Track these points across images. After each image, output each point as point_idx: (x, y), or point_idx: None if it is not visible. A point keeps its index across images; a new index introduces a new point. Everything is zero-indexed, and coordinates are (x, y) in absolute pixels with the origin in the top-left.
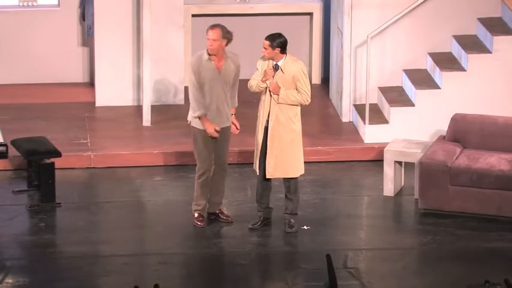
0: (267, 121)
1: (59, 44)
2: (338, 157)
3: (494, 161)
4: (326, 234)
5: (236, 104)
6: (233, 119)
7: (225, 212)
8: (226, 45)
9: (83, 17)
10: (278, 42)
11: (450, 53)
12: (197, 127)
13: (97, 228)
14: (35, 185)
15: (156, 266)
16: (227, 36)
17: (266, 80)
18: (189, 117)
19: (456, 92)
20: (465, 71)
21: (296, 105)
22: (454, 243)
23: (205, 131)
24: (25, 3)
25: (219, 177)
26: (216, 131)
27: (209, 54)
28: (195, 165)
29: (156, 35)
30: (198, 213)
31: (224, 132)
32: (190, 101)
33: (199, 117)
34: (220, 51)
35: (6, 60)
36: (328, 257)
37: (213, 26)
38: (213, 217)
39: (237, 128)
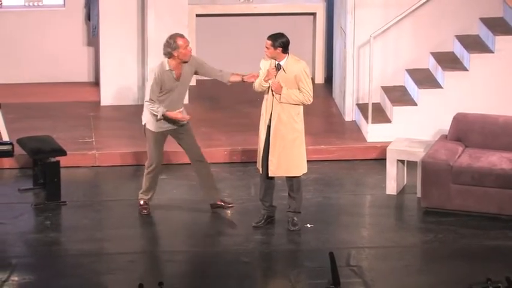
0: (270, 120)
1: (65, 44)
2: (341, 156)
3: (495, 160)
4: (329, 232)
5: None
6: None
7: (226, 200)
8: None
9: (88, 17)
10: (280, 42)
11: (452, 53)
12: (150, 129)
13: (102, 226)
14: (40, 183)
15: (160, 264)
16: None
17: (268, 80)
18: (144, 120)
19: (458, 91)
20: (467, 70)
21: (298, 104)
22: (456, 242)
23: (157, 133)
24: (31, 3)
25: (202, 171)
26: (178, 124)
27: (170, 67)
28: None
29: (160, 34)
30: (144, 201)
31: (182, 129)
32: (145, 106)
33: (163, 116)
34: None
35: (11, 60)
36: (331, 255)
37: (181, 34)
38: (215, 207)
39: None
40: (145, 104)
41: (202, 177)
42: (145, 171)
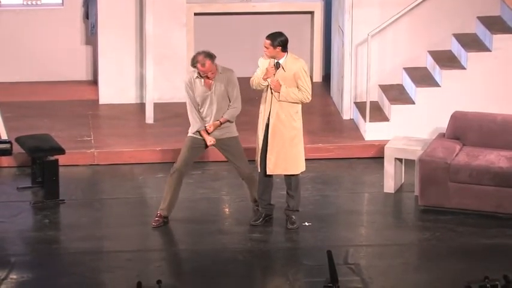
0: (268, 118)
1: (63, 42)
2: (339, 154)
3: (493, 158)
4: (327, 230)
5: (231, 115)
6: (220, 120)
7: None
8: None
9: (86, 15)
10: (279, 41)
11: (450, 51)
12: (190, 134)
13: (100, 225)
14: (39, 181)
15: (159, 262)
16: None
17: (267, 78)
18: (189, 132)
19: (456, 90)
20: (465, 69)
21: (297, 103)
22: (454, 240)
23: (194, 137)
24: (29, 2)
25: (251, 183)
26: (215, 142)
27: (199, 74)
28: (197, 162)
29: (159, 33)
30: (159, 213)
31: (228, 144)
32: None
33: (198, 132)
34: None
35: (10, 59)
36: (329, 253)
37: (203, 62)
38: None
39: (210, 127)
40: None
41: (249, 189)
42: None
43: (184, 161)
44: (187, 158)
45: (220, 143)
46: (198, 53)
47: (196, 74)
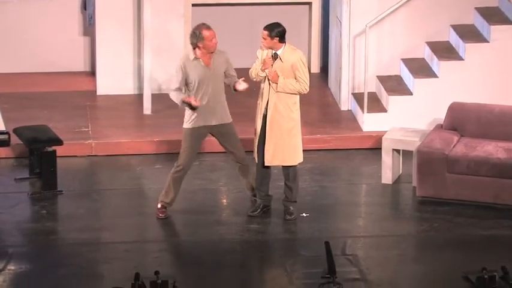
0: (266, 109)
1: (60, 33)
2: (336, 145)
3: (491, 149)
4: (325, 221)
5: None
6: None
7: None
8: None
9: (84, 6)
10: (277, 31)
11: (448, 42)
12: (186, 127)
13: (98, 216)
14: (36, 172)
15: (156, 253)
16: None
17: (265, 69)
18: (184, 121)
19: (454, 80)
20: (463, 60)
21: (295, 94)
22: (452, 231)
23: (193, 129)
24: None
25: (244, 173)
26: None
27: (195, 56)
28: None
29: (156, 24)
30: (162, 205)
31: (224, 130)
32: (171, 97)
33: (183, 101)
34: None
35: (7, 49)
36: (326, 244)
37: (207, 26)
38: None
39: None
40: (170, 95)
41: (244, 177)
42: (172, 170)
43: (189, 159)
44: (191, 155)
45: (216, 129)
46: (199, 26)
47: (193, 56)
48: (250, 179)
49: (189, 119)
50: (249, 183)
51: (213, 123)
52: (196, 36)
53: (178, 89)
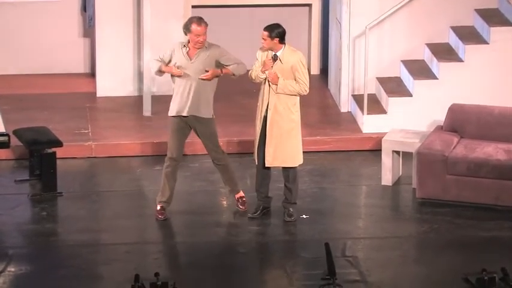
0: (266, 111)
1: (60, 35)
2: (336, 147)
3: (491, 151)
4: (325, 223)
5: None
6: (222, 71)
7: (241, 201)
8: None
9: (84, 7)
10: (277, 32)
11: (448, 44)
12: (170, 115)
13: (98, 217)
14: (36, 174)
15: (156, 255)
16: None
17: (265, 71)
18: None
19: (453, 82)
20: (462, 61)
21: (294, 95)
22: (452, 232)
23: (173, 118)
24: None
25: (220, 170)
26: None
27: (186, 45)
28: (194, 155)
29: (156, 25)
30: (161, 206)
31: (198, 124)
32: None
33: (160, 70)
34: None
35: (7, 51)
36: (326, 245)
37: (200, 21)
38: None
39: (204, 77)
40: (150, 64)
41: (221, 174)
42: (164, 165)
43: (176, 149)
44: (177, 144)
45: (191, 120)
46: (192, 18)
47: (183, 44)
48: (226, 177)
49: (171, 107)
50: (226, 181)
51: (184, 114)
52: (186, 26)
53: (160, 61)
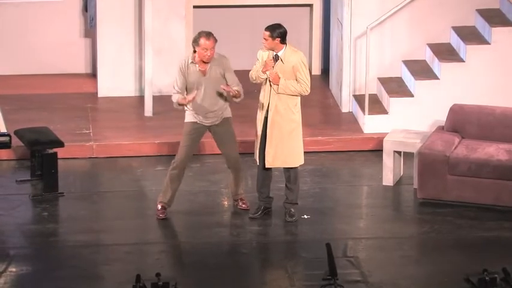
0: (267, 111)
1: (62, 35)
2: (338, 147)
3: (492, 151)
4: (326, 223)
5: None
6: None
7: (244, 200)
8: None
9: (85, 8)
10: (278, 32)
11: (449, 44)
12: (186, 121)
13: (99, 218)
14: (38, 174)
15: (157, 255)
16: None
17: (266, 71)
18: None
19: (455, 82)
20: (464, 61)
21: (296, 95)
22: (453, 232)
23: (191, 123)
24: None
25: (233, 174)
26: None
27: (193, 61)
28: (196, 155)
29: (157, 26)
30: (161, 206)
31: (221, 127)
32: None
33: (178, 103)
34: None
35: (9, 52)
36: (328, 245)
37: (209, 36)
38: (235, 203)
39: (227, 89)
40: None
41: (232, 178)
42: (170, 167)
43: (186, 154)
44: (189, 151)
45: (211, 129)
46: (202, 32)
47: (191, 60)
48: (237, 186)
49: (187, 113)
50: (233, 190)
51: (209, 121)
52: (195, 40)
53: (179, 92)
